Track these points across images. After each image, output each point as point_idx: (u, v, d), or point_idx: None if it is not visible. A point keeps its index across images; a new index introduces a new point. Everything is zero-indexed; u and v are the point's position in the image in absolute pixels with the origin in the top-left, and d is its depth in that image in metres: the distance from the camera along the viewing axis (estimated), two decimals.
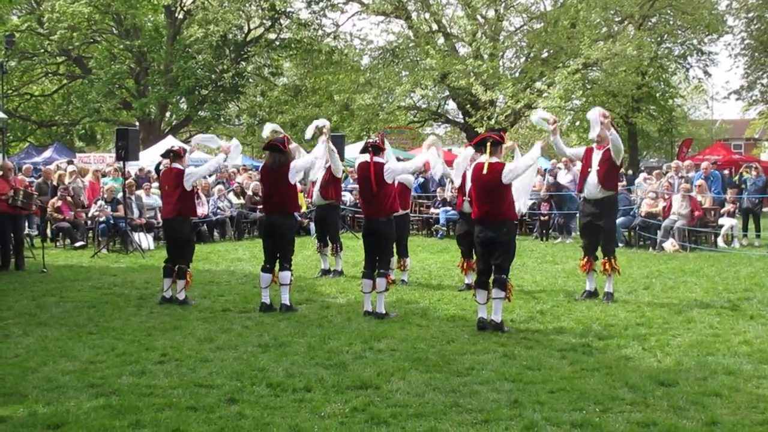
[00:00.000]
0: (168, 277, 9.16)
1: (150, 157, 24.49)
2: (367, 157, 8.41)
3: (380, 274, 8.37)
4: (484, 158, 7.72)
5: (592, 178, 9.24)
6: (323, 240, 11.54)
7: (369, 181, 8.31)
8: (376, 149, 8.43)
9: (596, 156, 9.29)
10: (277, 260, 8.81)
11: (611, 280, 9.35)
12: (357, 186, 13.20)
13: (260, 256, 8.97)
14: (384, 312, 8.32)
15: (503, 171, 7.58)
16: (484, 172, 7.61)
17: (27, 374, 6.05)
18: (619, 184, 10.92)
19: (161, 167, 9.90)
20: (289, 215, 8.95)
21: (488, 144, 7.69)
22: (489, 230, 7.71)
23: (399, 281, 10.57)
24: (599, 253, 9.37)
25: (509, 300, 7.79)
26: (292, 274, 8.87)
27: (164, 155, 9.71)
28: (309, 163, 9.59)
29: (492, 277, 7.72)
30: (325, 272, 11.50)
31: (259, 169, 9.34)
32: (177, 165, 9.20)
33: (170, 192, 9.18)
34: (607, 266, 9.25)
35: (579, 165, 10.82)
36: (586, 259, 9.44)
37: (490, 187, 7.63)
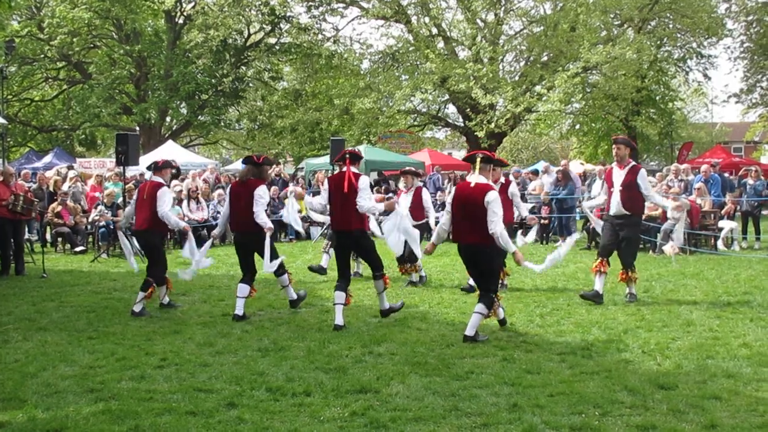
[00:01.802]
0: (161, 285, 9.23)
1: (150, 163, 24.52)
2: (342, 166, 8.19)
3: (376, 277, 8.25)
4: (473, 177, 7.40)
5: (615, 198, 9.33)
6: None
7: (342, 189, 7.99)
8: (355, 158, 8.25)
9: (618, 176, 9.39)
10: (251, 270, 8.76)
11: (632, 285, 9.46)
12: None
13: (259, 260, 8.87)
14: (388, 306, 8.32)
15: (489, 194, 7.21)
16: (471, 187, 7.34)
17: (26, 379, 6.05)
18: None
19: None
20: (255, 233, 8.52)
21: (478, 159, 7.40)
22: (471, 251, 7.45)
23: (407, 282, 10.92)
24: (616, 261, 9.43)
25: (487, 317, 7.51)
26: (289, 275, 8.97)
27: (148, 168, 9.71)
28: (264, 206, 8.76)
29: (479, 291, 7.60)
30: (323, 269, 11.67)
31: (231, 183, 9.22)
32: (158, 179, 9.15)
33: (145, 204, 9.02)
34: (624, 277, 9.37)
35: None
36: (599, 261, 9.41)
37: (472, 205, 7.29)
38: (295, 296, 9.03)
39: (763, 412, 5.21)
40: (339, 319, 7.98)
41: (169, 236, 15.22)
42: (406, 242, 8.64)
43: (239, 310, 8.48)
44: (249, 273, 8.73)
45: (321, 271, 11.44)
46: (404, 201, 11.02)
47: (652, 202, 10.07)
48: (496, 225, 7.20)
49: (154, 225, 9.02)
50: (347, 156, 8.21)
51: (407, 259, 10.45)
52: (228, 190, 9.02)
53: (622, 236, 9.31)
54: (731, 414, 5.18)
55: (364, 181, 8.17)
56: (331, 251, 11.34)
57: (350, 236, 8.16)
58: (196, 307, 9.26)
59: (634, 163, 9.55)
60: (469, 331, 7.29)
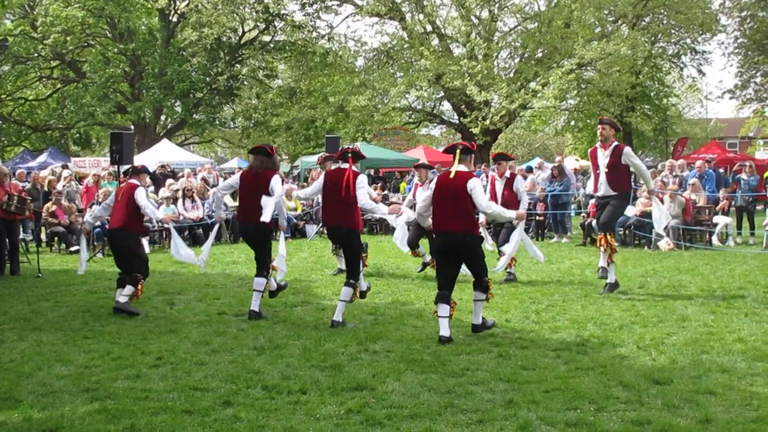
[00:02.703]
0: (120, 287, 8.88)
1: (145, 161, 24.48)
2: (343, 164, 8.13)
3: (347, 284, 7.99)
4: (453, 167, 7.34)
5: (602, 179, 9.48)
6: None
7: (339, 187, 7.92)
8: (357, 156, 8.23)
9: (602, 157, 9.47)
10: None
11: (611, 269, 9.52)
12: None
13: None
14: (341, 321, 7.93)
15: (471, 180, 7.18)
16: (451, 176, 7.30)
17: (22, 379, 6.03)
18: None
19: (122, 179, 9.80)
20: (265, 224, 8.45)
21: (457, 151, 7.36)
22: (451, 240, 7.34)
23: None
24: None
25: (488, 301, 7.57)
26: (267, 282, 8.58)
27: (125, 172, 9.60)
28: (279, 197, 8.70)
29: (473, 280, 7.54)
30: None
31: (241, 173, 8.93)
32: (135, 181, 9.06)
33: (121, 205, 8.94)
34: (603, 241, 9.47)
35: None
36: (600, 235, 9.66)
37: (453, 194, 7.22)
38: (257, 310, 8.52)
39: (757, 406, 5.23)
40: (338, 316, 7.98)
41: (149, 238, 15.20)
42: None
43: (255, 306, 8.39)
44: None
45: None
46: (422, 194, 10.98)
47: (641, 177, 9.94)
48: (486, 206, 7.33)
49: (127, 226, 8.90)
50: (349, 155, 8.17)
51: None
52: (239, 181, 8.71)
53: (609, 203, 9.48)
54: (726, 408, 5.20)
55: (362, 180, 8.14)
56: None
57: (340, 232, 8.15)
58: (191, 306, 9.25)
59: (617, 143, 9.55)
60: (476, 320, 7.41)
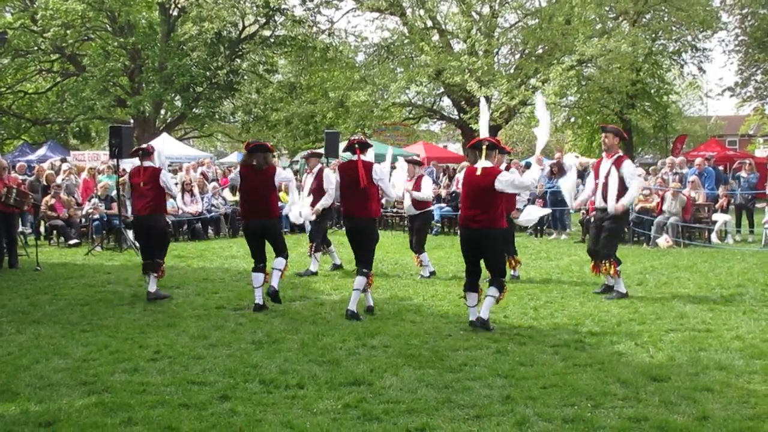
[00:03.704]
0: (147, 274, 9.28)
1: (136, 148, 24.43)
2: (352, 155, 8.31)
3: (361, 273, 8.20)
4: (479, 163, 7.51)
5: (599, 190, 9.35)
6: (325, 241, 11.85)
7: (356, 178, 8.11)
8: (363, 146, 8.34)
9: (604, 167, 9.34)
10: (265, 257, 8.78)
11: (619, 281, 9.33)
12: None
13: (270, 249, 8.80)
14: (356, 311, 8.07)
15: (498, 177, 7.34)
16: (478, 173, 7.44)
17: (19, 372, 6.04)
18: None
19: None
20: (276, 218, 8.86)
21: (484, 147, 7.50)
22: (475, 236, 7.49)
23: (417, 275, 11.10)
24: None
25: (498, 302, 7.71)
26: (287, 261, 8.83)
27: (133, 154, 9.83)
28: (287, 180, 9.21)
29: (489, 277, 7.66)
30: (337, 267, 11.91)
31: (239, 170, 8.86)
32: (149, 163, 9.32)
33: (146, 190, 9.18)
34: (605, 269, 9.22)
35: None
36: (593, 264, 9.50)
37: (481, 191, 7.39)
38: (276, 288, 8.67)
39: (754, 403, 5.24)
40: (352, 305, 8.11)
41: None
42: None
43: (259, 300, 8.55)
44: (262, 261, 8.70)
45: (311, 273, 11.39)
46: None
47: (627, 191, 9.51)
48: (521, 185, 7.66)
49: (159, 208, 9.29)
50: (356, 145, 8.28)
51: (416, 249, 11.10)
52: (240, 177, 8.71)
53: (605, 227, 9.27)
54: (723, 406, 5.20)
55: (380, 171, 8.36)
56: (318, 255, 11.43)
57: (362, 222, 8.29)
58: (190, 300, 9.25)
59: (620, 153, 9.43)
60: (484, 314, 7.47)
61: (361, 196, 8.19)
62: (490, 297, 7.54)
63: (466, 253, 7.69)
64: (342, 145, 22.75)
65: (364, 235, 8.33)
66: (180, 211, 16.60)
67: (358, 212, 8.27)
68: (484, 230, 7.42)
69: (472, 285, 7.62)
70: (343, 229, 9.02)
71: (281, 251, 8.74)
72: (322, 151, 12.88)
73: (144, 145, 10.11)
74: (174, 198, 10.66)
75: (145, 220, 9.35)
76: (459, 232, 7.75)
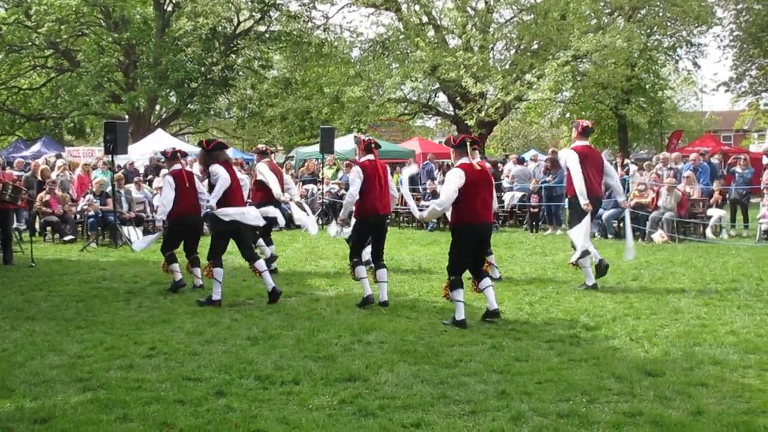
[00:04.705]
0: (197, 267, 9.78)
1: (139, 151, 24.40)
2: (372, 156, 8.68)
3: (381, 266, 8.66)
4: (467, 159, 7.59)
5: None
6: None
7: (380, 177, 8.59)
8: (377, 146, 8.86)
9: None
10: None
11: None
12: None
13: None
14: (387, 300, 8.56)
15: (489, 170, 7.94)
16: (477, 168, 7.55)
17: (14, 368, 6.03)
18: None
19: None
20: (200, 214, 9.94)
21: (468, 143, 7.65)
22: (488, 227, 7.74)
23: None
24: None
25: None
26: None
27: (172, 157, 9.93)
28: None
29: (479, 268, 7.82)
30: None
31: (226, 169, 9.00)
32: (179, 166, 9.83)
33: (192, 192, 9.75)
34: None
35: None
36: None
37: (486, 184, 7.62)
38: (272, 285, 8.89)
39: (748, 398, 5.26)
40: (384, 296, 8.55)
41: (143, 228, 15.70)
42: None
43: (217, 296, 8.79)
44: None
45: None
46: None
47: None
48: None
49: (200, 208, 9.88)
50: (372, 146, 8.73)
51: None
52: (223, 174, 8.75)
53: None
54: (717, 400, 5.22)
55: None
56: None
57: (386, 218, 8.94)
58: (185, 296, 9.25)
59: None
60: (494, 305, 7.65)
61: (385, 193, 8.70)
62: (490, 287, 7.71)
63: (472, 251, 7.66)
64: (338, 141, 22.80)
65: (385, 230, 8.89)
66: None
67: (383, 209, 8.71)
68: (492, 224, 7.91)
69: (462, 282, 7.62)
70: (350, 227, 9.10)
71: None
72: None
73: (176, 151, 10.20)
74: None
75: (196, 221, 10.16)
76: (464, 233, 7.59)
